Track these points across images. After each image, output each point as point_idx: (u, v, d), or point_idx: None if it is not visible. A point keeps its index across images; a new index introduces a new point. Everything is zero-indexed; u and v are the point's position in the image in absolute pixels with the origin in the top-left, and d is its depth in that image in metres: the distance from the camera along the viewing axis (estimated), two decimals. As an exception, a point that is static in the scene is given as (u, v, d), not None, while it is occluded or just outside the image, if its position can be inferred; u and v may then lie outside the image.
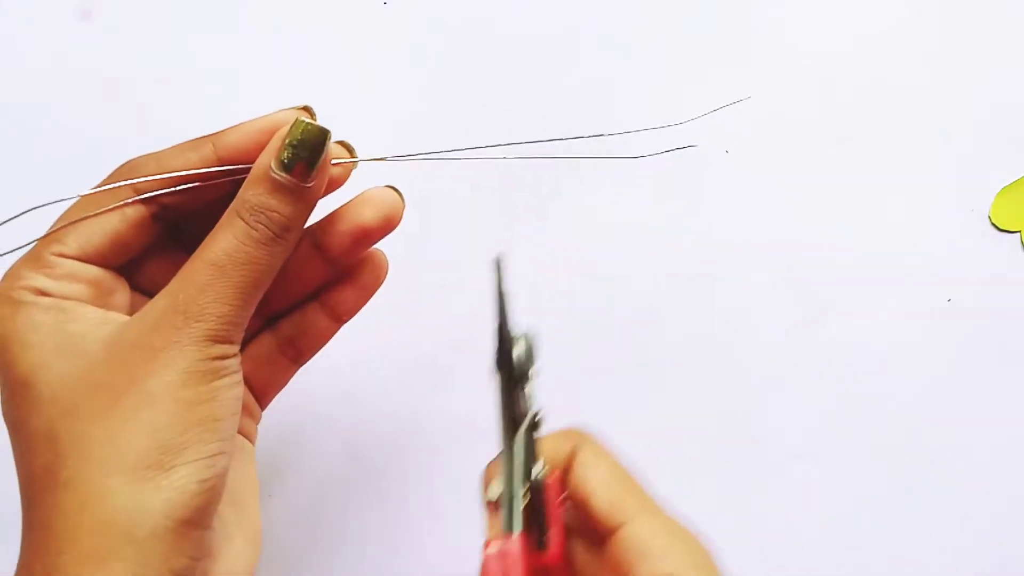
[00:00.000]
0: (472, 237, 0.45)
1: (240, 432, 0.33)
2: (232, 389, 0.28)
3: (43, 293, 0.28)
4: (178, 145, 0.30)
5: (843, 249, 0.45)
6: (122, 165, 0.30)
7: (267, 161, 0.28)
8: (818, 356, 0.44)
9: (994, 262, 0.45)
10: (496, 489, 0.28)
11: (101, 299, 0.29)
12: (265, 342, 0.34)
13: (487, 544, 0.28)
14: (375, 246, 0.33)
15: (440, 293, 0.44)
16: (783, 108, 0.45)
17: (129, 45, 0.46)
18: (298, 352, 0.34)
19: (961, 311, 0.44)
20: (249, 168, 0.29)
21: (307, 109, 0.30)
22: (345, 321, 0.34)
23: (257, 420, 0.35)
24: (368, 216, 0.32)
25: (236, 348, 0.28)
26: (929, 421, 0.44)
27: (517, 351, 0.28)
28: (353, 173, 0.32)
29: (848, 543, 0.44)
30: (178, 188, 0.30)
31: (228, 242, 0.28)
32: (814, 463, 0.44)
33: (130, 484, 0.25)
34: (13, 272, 0.29)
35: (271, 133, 0.29)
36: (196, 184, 0.30)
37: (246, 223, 0.28)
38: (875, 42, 0.46)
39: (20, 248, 0.30)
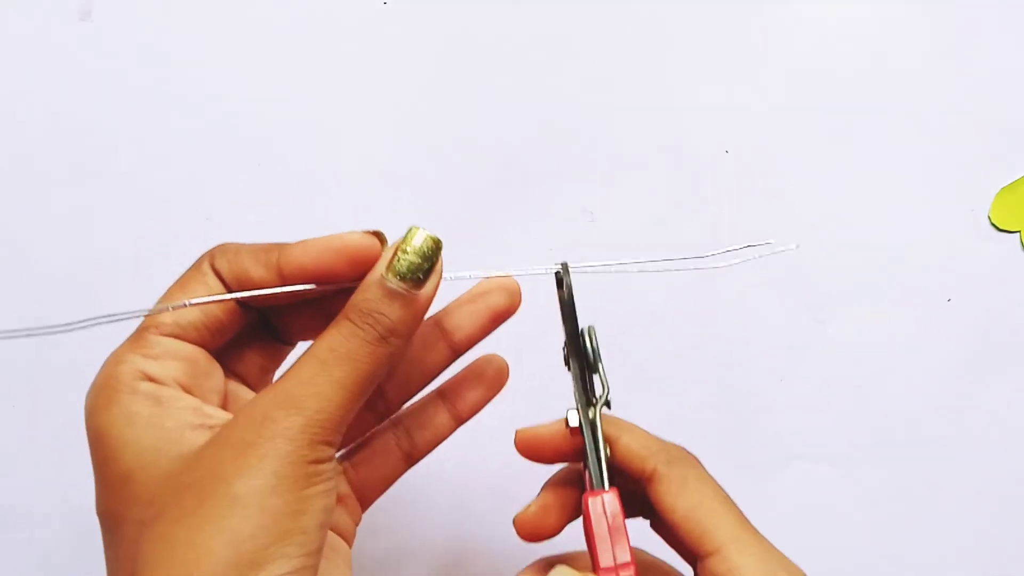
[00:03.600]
0: (468, 241, 0.45)
1: (337, 531, 0.33)
2: (324, 498, 0.27)
3: (144, 375, 0.28)
4: (257, 245, 0.30)
5: (843, 249, 0.45)
6: (212, 248, 0.31)
7: (381, 267, 0.28)
8: (818, 356, 0.44)
9: (994, 262, 0.45)
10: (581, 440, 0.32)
11: (197, 379, 0.29)
12: (383, 435, 0.34)
13: (586, 497, 0.31)
14: (503, 348, 0.35)
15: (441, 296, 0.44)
16: (783, 108, 0.45)
17: (129, 45, 0.46)
18: (414, 446, 0.34)
19: (961, 311, 0.44)
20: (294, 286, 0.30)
21: (378, 235, 0.30)
22: (464, 421, 0.35)
23: (357, 521, 0.34)
24: (497, 299, 0.33)
25: (332, 452, 0.27)
26: (929, 420, 0.44)
27: (590, 343, 0.33)
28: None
29: (848, 543, 0.44)
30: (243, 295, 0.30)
31: (333, 338, 0.28)
32: (814, 463, 0.44)
33: None
34: (115, 356, 0.29)
35: (334, 252, 0.29)
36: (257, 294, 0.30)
37: (353, 322, 0.28)
38: (875, 42, 0.46)
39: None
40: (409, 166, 0.45)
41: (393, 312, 0.28)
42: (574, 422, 0.32)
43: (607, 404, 0.32)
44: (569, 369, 0.33)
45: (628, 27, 0.46)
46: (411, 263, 0.28)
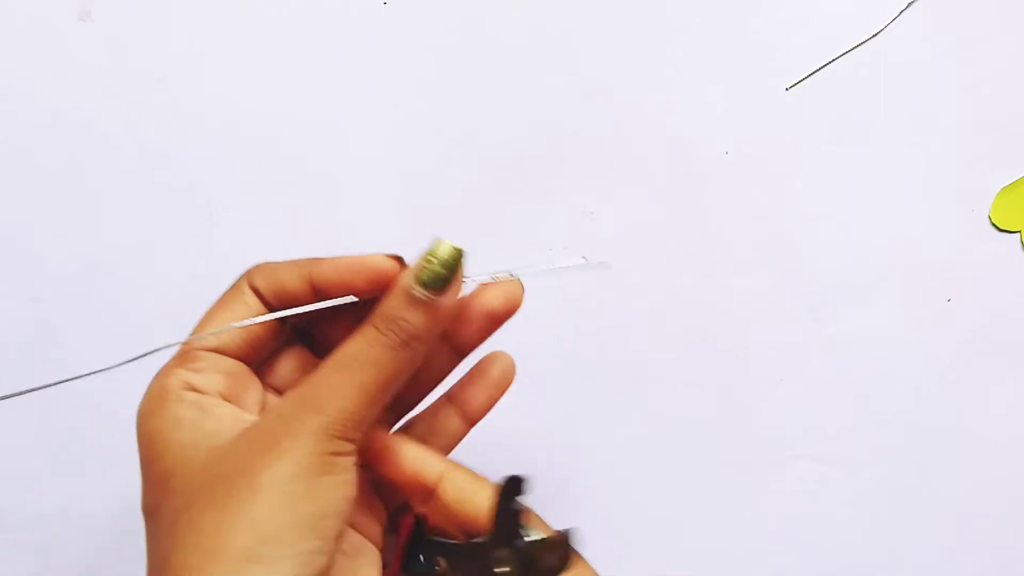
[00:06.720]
0: (468, 241, 0.45)
1: (363, 533, 0.34)
2: (340, 488, 0.29)
3: (189, 386, 0.31)
4: (292, 260, 0.32)
5: (843, 249, 0.45)
6: (250, 268, 0.33)
7: (409, 276, 0.30)
8: (818, 356, 0.44)
9: (994, 262, 0.45)
10: None
11: (237, 391, 0.32)
12: None
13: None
14: (502, 349, 0.35)
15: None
16: (783, 108, 0.45)
17: (129, 45, 0.46)
18: None
19: (961, 311, 0.44)
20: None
21: (398, 258, 0.31)
22: (474, 423, 0.36)
23: (382, 524, 0.35)
24: (495, 302, 0.33)
25: (352, 447, 0.29)
26: (929, 421, 0.44)
27: (546, 561, 0.31)
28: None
29: (848, 543, 0.44)
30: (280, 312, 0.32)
31: (357, 344, 0.30)
32: (814, 463, 0.44)
33: (229, 573, 0.26)
34: (164, 369, 0.31)
35: (358, 272, 0.31)
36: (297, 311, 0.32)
37: (377, 328, 0.30)
38: (875, 42, 0.46)
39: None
40: (409, 165, 0.45)
41: (416, 318, 0.30)
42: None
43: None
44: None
45: (628, 27, 0.46)
46: (434, 273, 0.30)
